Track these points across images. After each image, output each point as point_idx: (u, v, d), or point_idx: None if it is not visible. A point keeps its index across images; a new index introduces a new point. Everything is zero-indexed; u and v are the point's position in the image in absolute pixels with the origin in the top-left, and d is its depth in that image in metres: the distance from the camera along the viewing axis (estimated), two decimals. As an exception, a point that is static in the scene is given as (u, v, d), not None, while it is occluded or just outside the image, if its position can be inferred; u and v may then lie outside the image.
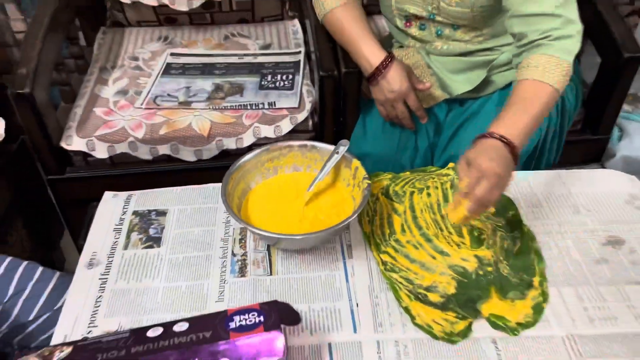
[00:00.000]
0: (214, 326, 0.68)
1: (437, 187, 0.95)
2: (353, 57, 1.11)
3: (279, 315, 0.68)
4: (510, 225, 0.91)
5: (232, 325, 0.67)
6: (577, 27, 0.92)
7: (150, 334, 0.68)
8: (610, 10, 1.27)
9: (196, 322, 0.69)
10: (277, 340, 0.66)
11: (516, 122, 0.86)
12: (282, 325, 0.67)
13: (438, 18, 1.08)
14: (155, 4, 1.46)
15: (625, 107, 1.46)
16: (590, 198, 0.97)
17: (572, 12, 0.93)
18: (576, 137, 1.31)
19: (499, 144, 0.83)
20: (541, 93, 0.90)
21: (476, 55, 1.11)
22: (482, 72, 1.10)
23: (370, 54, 1.07)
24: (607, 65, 1.25)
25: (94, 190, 1.14)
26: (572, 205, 0.96)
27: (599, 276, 0.84)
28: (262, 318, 0.68)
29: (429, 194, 0.94)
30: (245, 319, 0.68)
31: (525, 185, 1.00)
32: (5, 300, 0.85)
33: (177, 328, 0.68)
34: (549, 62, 0.90)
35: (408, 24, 1.14)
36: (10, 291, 0.86)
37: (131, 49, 1.49)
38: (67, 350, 0.66)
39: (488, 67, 1.09)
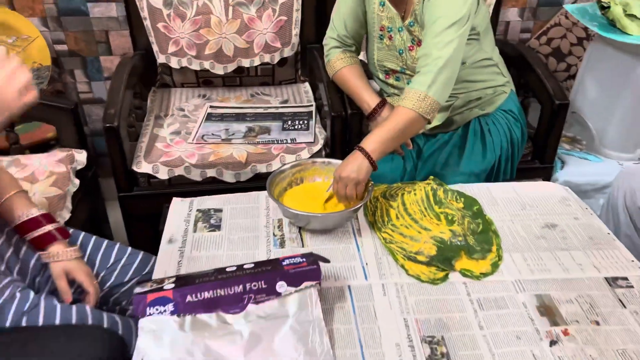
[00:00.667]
0: (271, 263, 0.98)
1: (421, 190, 1.28)
2: (356, 102, 1.47)
3: (314, 258, 0.99)
4: (475, 215, 1.23)
5: (285, 262, 0.97)
6: (446, 63, 1.21)
7: (228, 269, 0.97)
8: (545, 72, 1.67)
9: (259, 263, 0.99)
10: (316, 271, 0.96)
11: (374, 135, 1.21)
12: (318, 260, 0.97)
13: (407, 71, 1.45)
14: (198, 69, 1.85)
15: (566, 146, 1.83)
16: (534, 199, 1.30)
17: (451, 52, 1.21)
18: (527, 165, 1.66)
19: (356, 153, 1.19)
20: (403, 116, 1.22)
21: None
22: (445, 114, 1.45)
23: (369, 99, 1.43)
24: (545, 111, 1.63)
25: (155, 206, 1.46)
26: (520, 204, 1.29)
27: (538, 246, 1.15)
28: (304, 259, 0.98)
29: (415, 194, 1.27)
30: (293, 260, 0.98)
31: (486, 192, 1.33)
32: (108, 266, 1.14)
33: (246, 266, 0.98)
34: (410, 92, 1.22)
35: (387, 76, 1.51)
36: (111, 260, 1.15)
37: (177, 102, 1.85)
38: (173, 279, 0.95)
39: (448, 110, 1.46)
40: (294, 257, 0.99)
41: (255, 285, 0.93)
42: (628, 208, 1.29)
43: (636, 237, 1.28)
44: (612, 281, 1.06)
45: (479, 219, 1.22)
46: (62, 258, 1.05)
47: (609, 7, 1.64)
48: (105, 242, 1.19)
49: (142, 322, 0.88)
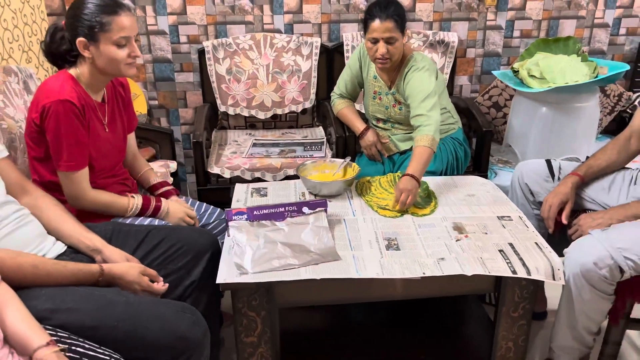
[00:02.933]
0: (301, 203, 1.67)
1: (391, 175, 1.97)
2: (351, 128, 2.21)
3: (324, 199, 1.68)
4: (423, 189, 1.91)
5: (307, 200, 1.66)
6: (430, 122, 1.93)
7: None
8: (480, 116, 2.41)
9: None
10: (324, 203, 1.64)
11: (415, 166, 1.84)
12: (327, 201, 1.66)
13: (390, 120, 2.19)
14: (247, 115, 2.62)
15: (501, 165, 2.53)
16: (464, 184, 1.98)
17: (435, 113, 1.95)
18: (472, 174, 2.35)
19: (410, 178, 1.81)
20: (423, 152, 1.88)
21: (406, 135, 2.19)
22: (410, 142, 2.18)
23: (359, 126, 2.16)
24: (478, 137, 2.35)
25: (220, 196, 2.16)
26: (454, 185, 1.97)
27: (460, 204, 1.82)
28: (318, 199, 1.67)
29: (387, 177, 1.96)
30: (312, 200, 1.67)
31: (435, 180, 2.02)
32: (201, 212, 1.83)
33: (286, 202, 1.67)
34: (422, 138, 1.92)
35: (377, 122, 2.25)
36: (202, 209, 1.84)
37: (233, 137, 2.62)
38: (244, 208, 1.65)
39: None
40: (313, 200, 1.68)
41: (290, 208, 1.62)
42: (521, 185, 1.95)
43: (527, 204, 1.94)
44: (500, 217, 1.72)
45: (426, 190, 1.90)
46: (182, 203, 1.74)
47: (518, 71, 2.41)
48: (197, 202, 1.88)
49: (231, 223, 1.57)
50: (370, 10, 1.92)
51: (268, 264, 1.45)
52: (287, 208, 1.62)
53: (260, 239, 1.52)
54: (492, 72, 2.48)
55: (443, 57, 2.64)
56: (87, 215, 1.56)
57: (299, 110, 2.65)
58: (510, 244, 1.56)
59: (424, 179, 1.96)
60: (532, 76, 2.35)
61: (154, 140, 2.32)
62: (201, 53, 2.55)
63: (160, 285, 1.36)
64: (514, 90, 2.49)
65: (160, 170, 2.19)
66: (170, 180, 2.19)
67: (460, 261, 1.47)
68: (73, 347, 1.06)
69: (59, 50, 1.52)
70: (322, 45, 2.61)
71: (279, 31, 2.66)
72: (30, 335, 1.01)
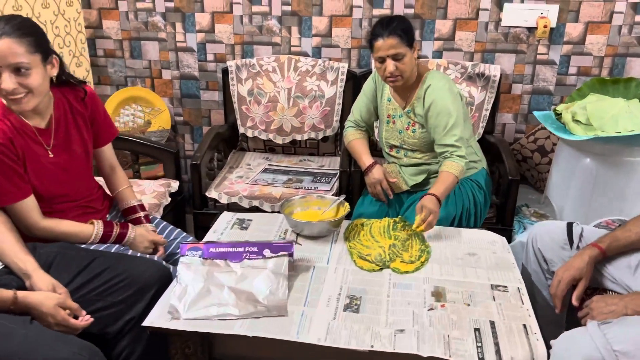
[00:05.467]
0: (264, 244, 1.52)
1: (386, 220, 1.77)
2: (358, 163, 2.03)
3: (292, 241, 1.51)
4: (420, 241, 1.68)
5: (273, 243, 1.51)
6: (461, 152, 1.80)
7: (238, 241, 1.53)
8: (509, 160, 2.12)
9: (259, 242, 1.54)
10: (289, 247, 1.48)
11: (439, 187, 1.73)
12: (294, 244, 1.50)
13: (404, 146, 1.99)
14: (265, 138, 2.52)
15: (534, 218, 2.21)
16: (470, 239, 1.72)
17: (462, 145, 1.81)
18: (492, 226, 2.07)
19: (432, 197, 1.69)
20: (449, 176, 1.76)
21: (421, 166, 1.98)
22: (423, 175, 1.96)
23: (366, 161, 1.98)
24: (503, 184, 2.07)
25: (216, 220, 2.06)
26: (458, 240, 1.72)
27: (455, 263, 1.57)
28: (285, 241, 1.52)
29: (381, 223, 1.76)
30: (279, 241, 1.52)
31: (439, 230, 1.78)
32: (170, 240, 1.74)
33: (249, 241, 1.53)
34: (452, 165, 1.77)
35: (390, 149, 2.06)
36: (171, 237, 1.75)
37: (247, 160, 2.52)
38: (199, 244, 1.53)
39: (426, 173, 1.96)
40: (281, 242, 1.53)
41: (250, 249, 1.48)
42: (534, 250, 1.66)
43: (540, 273, 1.64)
44: (494, 286, 1.46)
45: (421, 242, 1.67)
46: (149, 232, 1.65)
47: (561, 114, 2.09)
48: (171, 227, 1.79)
49: (182, 259, 1.45)
50: (373, 30, 1.83)
51: (204, 311, 1.32)
52: (246, 248, 1.48)
53: (206, 280, 1.39)
54: (533, 112, 2.18)
55: (483, 91, 2.38)
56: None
57: (319, 137, 2.50)
58: (492, 322, 1.30)
59: (430, 230, 1.75)
60: (576, 121, 2.03)
61: (159, 158, 2.28)
62: (225, 72, 2.50)
63: (82, 322, 1.27)
64: (560, 135, 2.18)
65: (159, 189, 2.13)
66: (168, 200, 2.13)
67: (421, 337, 1.25)
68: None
69: None
70: (349, 71, 2.46)
71: (305, 54, 2.55)
72: None
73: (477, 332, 1.27)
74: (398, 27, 1.77)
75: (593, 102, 2.07)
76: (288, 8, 2.48)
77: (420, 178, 1.98)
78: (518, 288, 1.46)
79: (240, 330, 1.27)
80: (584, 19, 2.34)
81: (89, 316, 1.30)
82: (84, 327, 1.27)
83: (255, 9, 2.50)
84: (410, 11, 2.42)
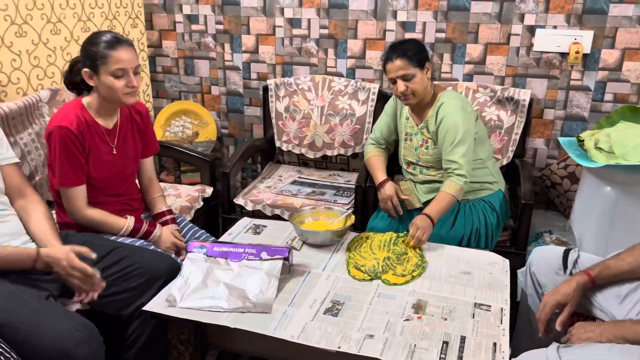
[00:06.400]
0: (263, 247, 1.64)
1: (389, 235, 1.83)
2: (373, 178, 2.11)
3: (290, 247, 1.62)
4: (418, 256, 1.73)
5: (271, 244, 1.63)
6: (462, 171, 1.84)
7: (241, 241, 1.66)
8: (526, 184, 2.10)
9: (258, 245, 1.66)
10: (284, 251, 1.59)
11: (433, 207, 1.80)
12: (291, 250, 1.61)
13: (420, 162, 2.05)
14: (298, 152, 2.66)
15: (549, 241, 2.15)
16: (471, 259, 1.74)
17: (465, 163, 1.84)
18: (505, 249, 2.05)
19: (424, 216, 1.76)
20: (445, 197, 1.82)
21: (434, 184, 2.02)
22: (435, 194, 1.99)
23: (379, 177, 2.05)
24: (518, 208, 2.05)
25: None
26: (457, 259, 1.74)
27: (447, 280, 1.61)
28: (284, 247, 1.63)
29: (383, 236, 1.82)
30: (278, 246, 1.64)
31: (442, 248, 1.82)
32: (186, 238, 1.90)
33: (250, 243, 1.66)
34: (450, 185, 1.82)
35: (408, 166, 2.11)
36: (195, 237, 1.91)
37: (280, 172, 2.67)
38: (213, 239, 1.67)
39: (437, 191, 2.00)
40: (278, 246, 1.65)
41: (250, 250, 1.61)
42: (530, 273, 1.64)
43: (535, 297, 1.62)
44: (477, 305, 1.48)
45: (418, 258, 1.72)
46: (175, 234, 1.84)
47: (584, 141, 2.05)
48: (195, 228, 1.96)
49: (189, 254, 1.61)
50: (384, 54, 1.94)
51: (198, 302, 1.46)
52: (246, 250, 1.61)
53: (205, 275, 1.53)
54: (559, 138, 2.14)
55: (513, 115, 2.37)
56: (83, 227, 1.74)
57: (348, 153, 2.60)
58: (463, 338, 1.33)
59: (432, 247, 1.80)
60: (598, 148, 1.98)
61: (197, 166, 2.47)
62: (265, 90, 2.67)
63: (94, 272, 1.46)
64: (584, 161, 2.12)
65: (193, 194, 2.33)
66: (200, 204, 2.31)
67: (388, 344, 1.30)
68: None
69: (76, 80, 1.74)
70: (380, 92, 2.55)
71: (340, 75, 2.67)
72: None
73: (444, 345, 1.31)
74: (406, 50, 1.87)
75: (619, 129, 2.01)
76: (325, 31, 2.62)
77: (432, 196, 2.01)
78: (502, 308, 1.47)
79: (225, 321, 1.39)
80: (620, 45, 2.27)
81: (117, 297, 1.50)
82: (98, 279, 1.46)
83: (295, 31, 2.66)
84: (442, 35, 2.48)
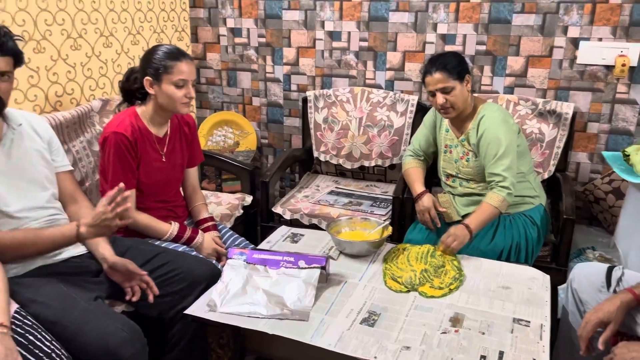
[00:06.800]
0: (301, 255, 1.67)
1: (427, 247, 1.82)
2: (411, 190, 2.10)
3: (327, 256, 1.64)
4: (456, 269, 1.72)
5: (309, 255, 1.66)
6: (507, 183, 1.81)
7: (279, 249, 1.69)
8: (568, 198, 2.06)
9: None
10: (322, 260, 1.61)
11: (473, 218, 1.79)
12: (329, 259, 1.62)
13: (459, 175, 2.03)
14: (335, 163, 2.68)
15: (592, 258, 2.09)
16: (510, 273, 1.71)
17: (509, 176, 1.82)
18: (547, 265, 2.01)
19: (463, 227, 1.76)
20: (486, 208, 1.81)
21: (473, 197, 2.00)
22: (474, 207, 1.97)
23: (417, 188, 2.05)
24: (559, 223, 2.00)
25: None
26: (496, 273, 1.72)
27: (485, 294, 1.59)
28: (321, 256, 1.65)
29: (420, 248, 1.82)
30: (315, 255, 1.66)
31: (480, 262, 1.80)
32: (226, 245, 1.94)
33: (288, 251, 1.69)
34: (492, 196, 1.80)
35: (447, 179, 2.10)
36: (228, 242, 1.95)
37: (318, 182, 2.70)
38: (253, 247, 1.71)
39: (477, 204, 1.97)
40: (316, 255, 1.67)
41: (288, 258, 1.63)
42: (572, 290, 1.60)
43: (577, 314, 1.57)
44: (516, 320, 1.46)
45: (456, 271, 1.71)
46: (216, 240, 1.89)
47: (629, 155, 1.99)
48: (235, 235, 2.00)
49: (229, 261, 1.64)
50: (423, 68, 1.95)
51: (237, 307, 1.49)
52: (284, 258, 1.64)
53: (245, 281, 1.57)
54: (603, 152, 2.09)
55: (555, 128, 2.33)
56: (129, 231, 1.81)
57: (386, 164, 2.60)
58: (501, 353, 1.32)
59: (464, 257, 1.79)
60: (645, 163, 1.92)
61: (237, 175, 2.53)
62: (304, 101, 2.72)
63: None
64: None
65: (233, 201, 2.38)
66: (240, 212, 2.36)
67: (425, 356, 1.30)
68: (27, 335, 1.26)
69: (131, 88, 1.82)
70: (419, 104, 2.55)
71: (379, 86, 2.68)
72: None
73: (482, 360, 1.29)
74: (442, 63, 1.87)
75: (669, 144, 1.95)
76: (365, 44, 2.65)
77: (472, 209, 2.00)
78: (541, 325, 1.44)
79: (263, 327, 1.42)
80: (669, 58, 2.21)
81: (161, 300, 1.56)
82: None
83: (335, 44, 2.70)
84: (482, 48, 2.46)
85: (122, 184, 1.41)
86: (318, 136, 2.69)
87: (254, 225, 2.55)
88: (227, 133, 2.97)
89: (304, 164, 2.81)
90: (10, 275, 1.40)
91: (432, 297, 1.57)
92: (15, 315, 1.30)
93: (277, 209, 2.37)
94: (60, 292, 1.40)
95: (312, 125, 2.71)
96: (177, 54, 1.75)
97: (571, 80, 2.37)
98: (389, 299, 1.57)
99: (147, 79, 1.74)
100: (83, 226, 1.43)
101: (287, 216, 2.34)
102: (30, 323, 1.30)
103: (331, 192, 2.53)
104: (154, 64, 1.74)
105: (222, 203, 2.37)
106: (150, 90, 1.76)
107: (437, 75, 1.86)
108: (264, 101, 2.94)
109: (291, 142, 2.97)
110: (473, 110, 1.98)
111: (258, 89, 2.93)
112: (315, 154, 2.72)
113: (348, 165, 2.65)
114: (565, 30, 2.32)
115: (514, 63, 2.43)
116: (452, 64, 1.89)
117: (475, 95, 2.04)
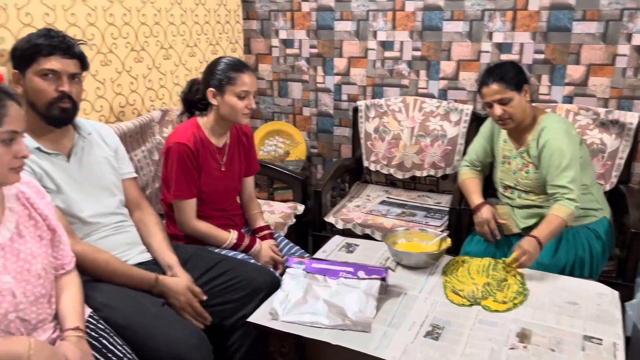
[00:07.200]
0: (360, 266, 1.66)
1: (488, 260, 1.78)
2: (468, 202, 2.07)
3: (386, 267, 1.63)
4: (519, 283, 1.67)
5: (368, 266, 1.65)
6: (573, 195, 1.76)
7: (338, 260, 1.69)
8: (635, 205, 1.97)
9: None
10: (382, 271, 1.59)
11: (542, 230, 1.74)
12: (387, 269, 1.61)
13: (518, 187, 1.99)
14: (386, 173, 2.67)
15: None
16: (576, 287, 1.66)
17: (574, 188, 1.77)
18: (612, 281, 1.93)
19: (531, 238, 1.71)
20: (554, 220, 1.75)
21: (533, 209, 1.95)
22: (535, 219, 1.92)
23: (475, 200, 2.01)
24: (626, 237, 1.92)
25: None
26: (561, 288, 1.67)
27: (551, 310, 1.54)
28: (381, 266, 1.64)
29: (481, 261, 1.78)
30: (374, 265, 1.65)
31: (542, 276, 1.74)
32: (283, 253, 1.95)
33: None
34: (560, 208, 1.75)
35: (505, 190, 2.06)
36: (290, 252, 1.96)
37: (368, 192, 2.69)
38: (310, 257, 1.71)
39: (538, 217, 1.92)
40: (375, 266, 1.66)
41: (347, 269, 1.63)
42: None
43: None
44: (587, 337, 1.40)
45: (519, 285, 1.66)
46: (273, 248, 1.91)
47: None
48: (291, 244, 2.02)
49: (288, 270, 1.65)
50: (480, 78, 1.92)
51: (299, 316, 1.49)
52: (344, 268, 1.63)
53: (305, 291, 1.57)
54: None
55: (617, 139, 2.25)
56: (190, 238, 1.85)
57: (438, 175, 2.57)
58: (574, 372, 1.27)
59: (525, 271, 1.74)
60: None
61: (290, 184, 2.55)
62: (355, 111, 2.72)
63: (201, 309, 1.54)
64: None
65: (286, 210, 2.40)
66: (292, 221, 2.38)
67: (493, 372, 1.26)
68: (100, 339, 1.30)
69: (193, 99, 1.87)
70: (473, 113, 2.51)
71: (432, 96, 2.66)
72: (68, 316, 1.27)
73: (554, 378, 1.25)
74: (499, 74, 1.84)
75: None
76: (418, 53, 2.63)
77: (531, 221, 1.95)
78: (614, 343, 1.38)
79: (327, 337, 1.41)
80: None
81: (221, 307, 1.60)
82: (203, 313, 1.53)
83: (387, 54, 2.70)
84: (540, 56, 2.41)
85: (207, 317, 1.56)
86: (368, 146, 2.69)
87: (305, 234, 2.56)
88: (278, 143, 3.00)
89: (353, 173, 2.81)
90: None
91: (496, 311, 1.54)
92: (89, 319, 1.34)
93: (330, 219, 2.37)
94: (130, 297, 1.44)
95: (362, 135, 2.70)
96: (240, 66, 1.79)
97: (635, 89, 2.29)
98: (452, 312, 1.54)
99: (211, 90, 1.78)
100: (158, 287, 1.53)
101: (340, 226, 2.34)
102: (102, 327, 1.34)
103: (383, 202, 2.52)
104: (218, 76, 1.77)
105: (275, 212, 2.39)
106: (213, 101, 1.80)
107: (494, 86, 1.83)
108: (314, 111, 2.96)
109: (340, 152, 2.98)
110: (533, 121, 1.93)
111: (308, 99, 2.95)
112: (366, 164, 2.71)
113: (399, 175, 2.64)
114: (629, 37, 2.24)
115: (574, 72, 2.37)
116: (510, 74, 1.86)
117: (535, 105, 1.99)
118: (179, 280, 1.55)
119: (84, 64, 1.49)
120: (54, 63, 1.41)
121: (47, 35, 1.41)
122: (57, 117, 1.45)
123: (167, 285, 1.52)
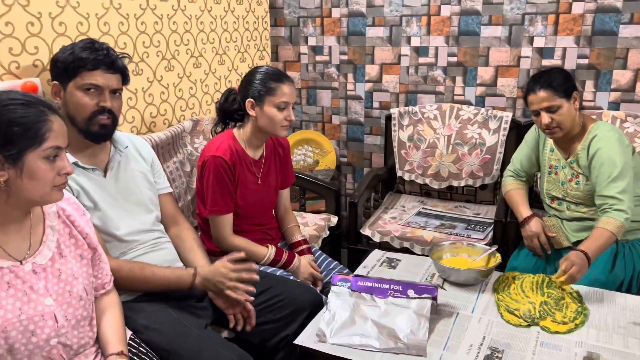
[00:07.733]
0: (409, 284, 1.58)
1: (540, 276, 1.69)
2: (515, 214, 1.97)
3: (437, 285, 1.54)
4: (576, 301, 1.57)
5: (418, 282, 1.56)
6: (622, 206, 1.66)
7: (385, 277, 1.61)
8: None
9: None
10: (432, 290, 1.51)
11: (589, 244, 1.64)
12: (438, 288, 1.53)
13: (567, 198, 1.89)
14: (421, 182, 2.58)
15: None
16: (638, 305, 1.56)
17: (625, 199, 1.67)
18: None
19: (579, 252, 1.61)
20: (603, 233, 1.65)
21: (585, 222, 1.85)
22: (587, 232, 1.82)
23: (523, 212, 1.92)
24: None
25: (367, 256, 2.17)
26: (623, 307, 1.57)
27: (616, 331, 1.44)
28: (431, 285, 1.55)
29: (533, 278, 1.68)
30: (424, 283, 1.56)
31: (601, 294, 1.65)
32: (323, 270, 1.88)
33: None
34: (608, 221, 1.65)
35: (552, 202, 1.96)
36: (329, 268, 1.89)
37: (403, 203, 2.61)
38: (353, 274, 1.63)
39: (590, 230, 1.82)
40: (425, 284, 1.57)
41: (395, 287, 1.55)
42: None
43: None
44: (662, 363, 1.31)
45: (577, 304, 1.56)
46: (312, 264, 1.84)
47: None
48: (329, 259, 1.94)
49: (333, 287, 1.57)
50: (526, 85, 1.83)
51: (348, 338, 1.41)
52: (392, 286, 1.55)
53: (352, 311, 1.49)
54: None
55: (668, 146, 2.14)
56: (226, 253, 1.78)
57: (477, 185, 2.48)
58: (654, 403, 1.17)
59: (582, 288, 1.64)
60: None
61: (322, 195, 2.48)
62: (388, 118, 2.64)
63: (247, 297, 1.48)
64: None
65: (320, 222, 2.32)
66: (326, 233, 2.30)
67: (566, 402, 1.17)
68: (142, 362, 1.24)
69: (230, 109, 1.80)
70: (513, 121, 2.42)
71: (469, 103, 2.57)
72: (111, 340, 1.21)
73: (633, 410, 1.15)
74: (547, 81, 1.75)
75: None
76: (454, 59, 2.55)
77: (583, 235, 1.85)
78: (692, 370, 1.28)
79: (378, 362, 1.33)
80: None
81: (263, 328, 1.53)
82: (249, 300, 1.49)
83: (421, 60, 2.62)
84: (585, 61, 2.31)
85: (254, 265, 1.48)
86: (402, 154, 2.61)
87: (339, 246, 2.48)
88: (307, 152, 2.93)
89: (386, 183, 2.73)
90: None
91: (557, 332, 1.44)
92: (130, 342, 1.28)
93: (366, 231, 2.29)
94: (172, 318, 1.37)
95: (395, 144, 2.62)
96: (280, 76, 1.72)
97: (687, 94, 2.19)
98: (509, 333, 1.45)
99: (250, 100, 1.72)
100: (199, 276, 1.45)
101: (377, 239, 2.26)
102: (145, 351, 1.28)
103: (419, 214, 2.43)
104: (256, 86, 1.71)
105: (308, 224, 2.32)
106: (251, 112, 1.73)
107: (542, 94, 1.74)
108: (344, 119, 2.89)
109: (371, 161, 2.90)
110: (582, 130, 1.84)
111: (338, 107, 2.88)
112: (399, 173, 2.63)
113: (435, 185, 2.55)
114: (680, 40, 2.15)
115: (620, 77, 2.27)
116: (558, 81, 1.77)
117: (585, 112, 1.90)
118: (214, 264, 1.50)
119: (125, 78, 1.44)
120: (97, 78, 1.36)
121: (91, 48, 1.36)
122: (96, 133, 1.40)
123: (208, 270, 1.46)
